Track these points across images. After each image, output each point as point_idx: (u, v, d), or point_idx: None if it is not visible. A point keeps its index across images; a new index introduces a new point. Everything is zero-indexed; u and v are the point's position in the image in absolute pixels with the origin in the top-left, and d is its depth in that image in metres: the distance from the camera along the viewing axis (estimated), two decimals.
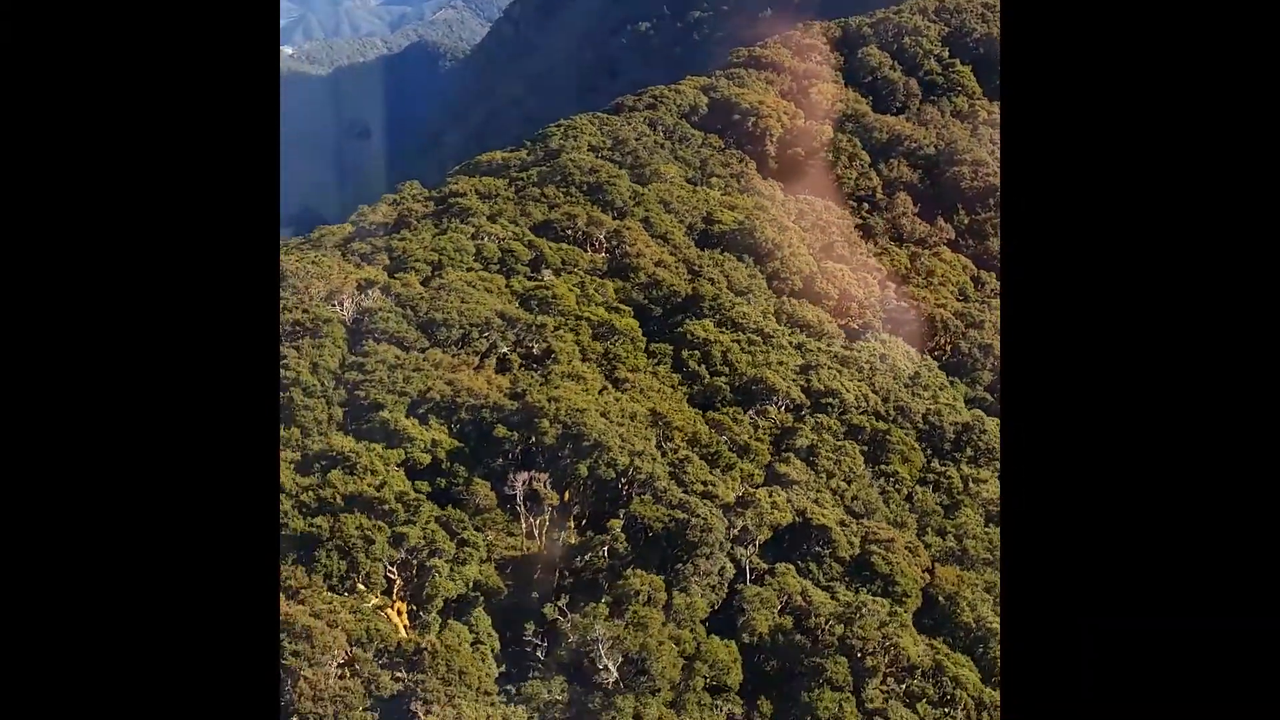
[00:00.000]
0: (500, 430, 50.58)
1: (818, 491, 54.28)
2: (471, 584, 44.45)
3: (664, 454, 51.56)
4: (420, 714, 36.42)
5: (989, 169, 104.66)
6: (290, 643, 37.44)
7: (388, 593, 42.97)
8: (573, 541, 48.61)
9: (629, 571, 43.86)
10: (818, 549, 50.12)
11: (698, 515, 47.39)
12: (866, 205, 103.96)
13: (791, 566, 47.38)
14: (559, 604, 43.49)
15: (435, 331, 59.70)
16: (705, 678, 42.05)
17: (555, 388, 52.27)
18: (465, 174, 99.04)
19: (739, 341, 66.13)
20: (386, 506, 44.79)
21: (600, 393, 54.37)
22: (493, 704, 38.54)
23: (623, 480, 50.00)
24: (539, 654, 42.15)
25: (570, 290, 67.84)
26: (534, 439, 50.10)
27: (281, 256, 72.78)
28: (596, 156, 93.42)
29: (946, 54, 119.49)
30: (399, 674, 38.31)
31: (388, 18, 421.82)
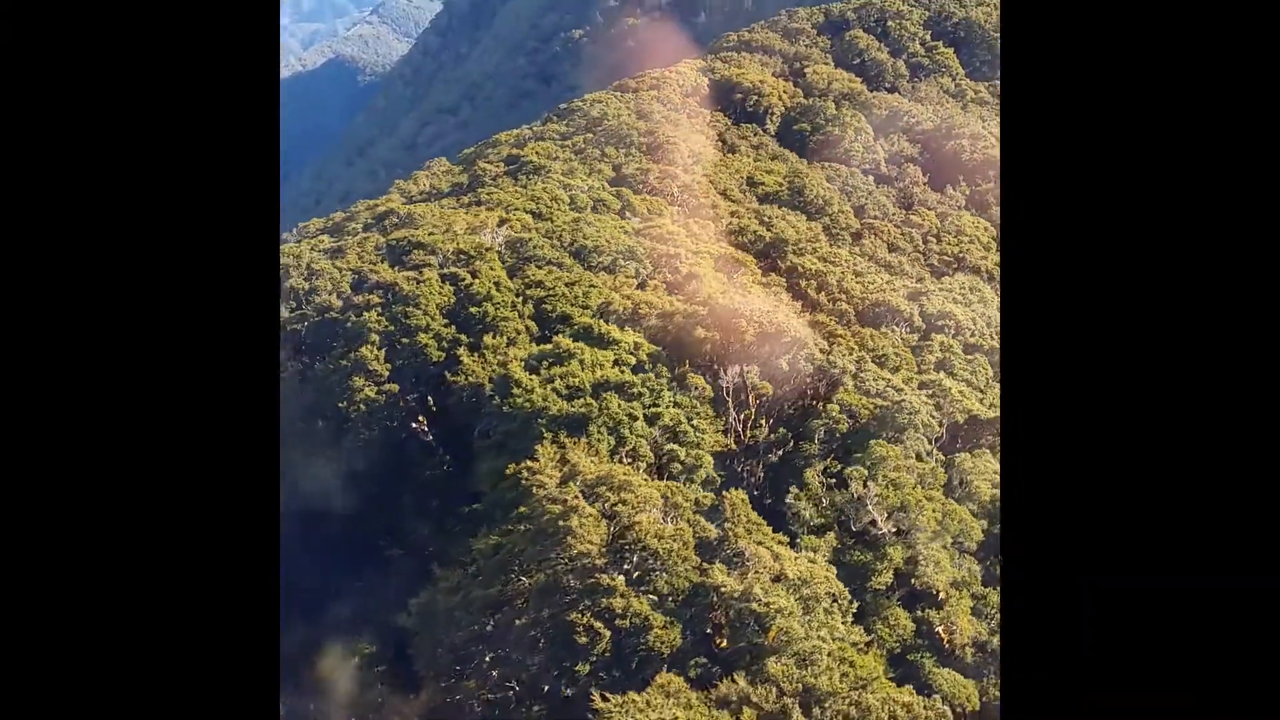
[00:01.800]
0: (699, 331, 52.66)
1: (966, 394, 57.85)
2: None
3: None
4: (745, 550, 38.41)
5: (986, 142, 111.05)
6: (613, 493, 39.37)
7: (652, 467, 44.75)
8: (781, 434, 51.06)
9: (873, 442, 46.51)
10: (990, 437, 53.62)
11: (903, 401, 50.40)
12: (873, 178, 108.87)
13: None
14: (821, 465, 45.89)
15: (587, 258, 61.44)
16: (952, 535, 44.97)
17: (734, 296, 54.67)
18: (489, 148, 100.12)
19: (846, 270, 69.67)
20: (635, 389, 46.59)
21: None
22: (783, 545, 40.73)
23: (819, 374, 52.69)
24: (805, 514, 44.38)
25: (679, 227, 70.34)
26: (732, 338, 52.35)
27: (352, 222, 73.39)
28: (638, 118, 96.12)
29: (929, 37, 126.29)
30: (707, 524, 40.32)
31: (300, 35, 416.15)
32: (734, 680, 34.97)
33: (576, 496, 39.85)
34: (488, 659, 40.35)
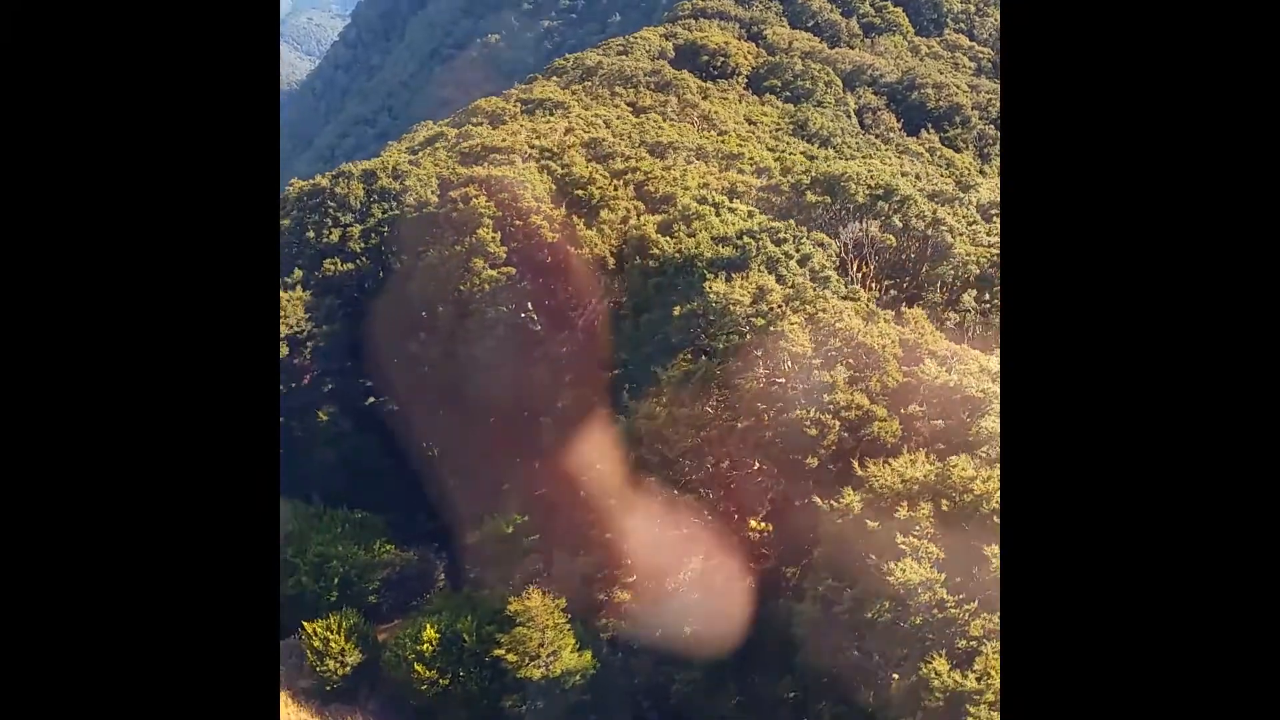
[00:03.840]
0: (810, 196, 54.10)
1: None
2: None
3: None
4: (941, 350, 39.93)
5: (950, 90, 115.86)
6: (809, 306, 40.40)
7: None
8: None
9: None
10: None
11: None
12: (857, 121, 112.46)
13: None
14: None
15: (662, 153, 62.50)
16: None
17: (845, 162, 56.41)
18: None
19: None
20: (780, 234, 47.77)
21: None
22: None
23: (930, 229, 54.63)
24: None
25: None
26: (844, 200, 53.96)
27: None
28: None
29: None
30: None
31: None
32: None
33: (780, 305, 40.58)
34: (709, 463, 40.78)
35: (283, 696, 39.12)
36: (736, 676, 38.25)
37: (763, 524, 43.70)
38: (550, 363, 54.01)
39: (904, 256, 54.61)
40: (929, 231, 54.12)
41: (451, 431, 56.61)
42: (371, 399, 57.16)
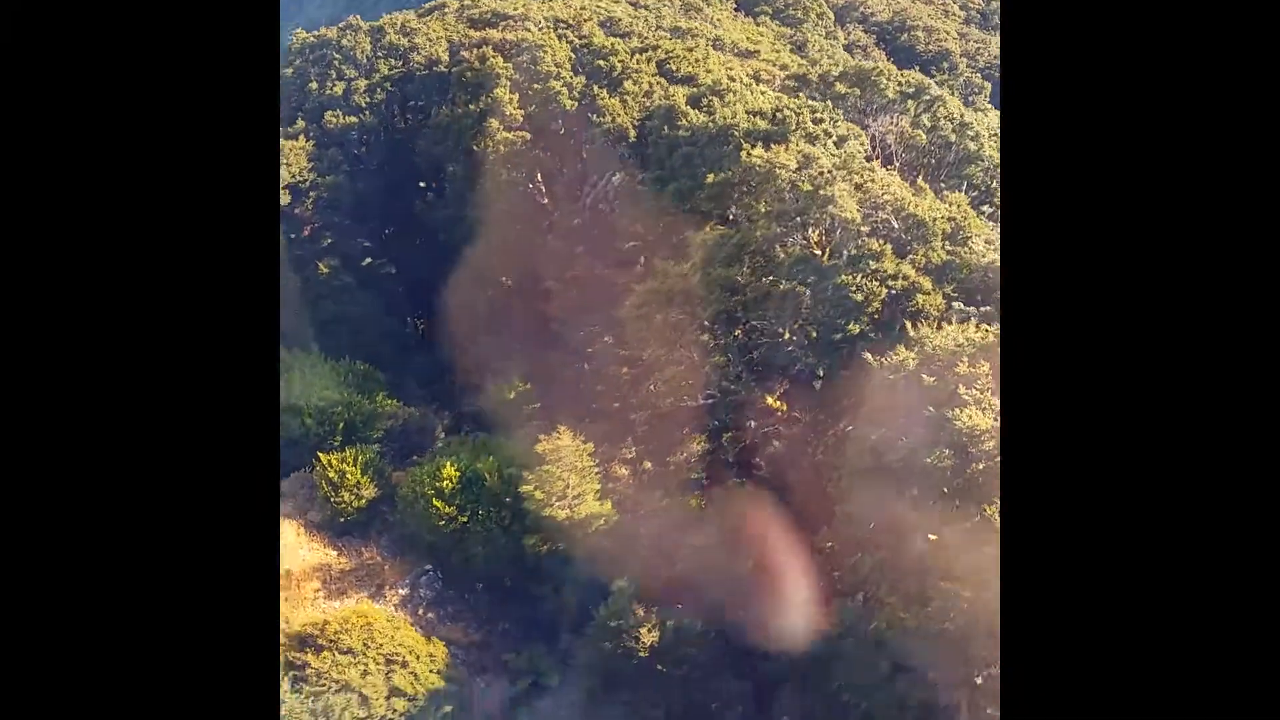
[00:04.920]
0: (839, 86, 53.07)
1: None
2: None
3: None
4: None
5: (940, 35, 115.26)
6: (856, 174, 39.61)
7: None
8: None
9: None
10: None
11: None
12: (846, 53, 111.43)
13: None
14: None
15: (683, 37, 60.97)
16: None
17: None
18: None
19: None
20: (817, 112, 46.96)
21: None
22: None
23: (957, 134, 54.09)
24: None
25: None
26: (874, 94, 53.09)
27: None
28: None
29: None
30: None
31: None
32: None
33: (829, 171, 39.67)
34: (739, 330, 39.99)
35: (294, 529, 37.76)
36: None
37: (783, 393, 43.18)
38: (563, 232, 52.50)
39: (930, 159, 54.00)
40: (955, 137, 53.54)
41: (454, 296, 54.95)
42: (369, 259, 55.10)
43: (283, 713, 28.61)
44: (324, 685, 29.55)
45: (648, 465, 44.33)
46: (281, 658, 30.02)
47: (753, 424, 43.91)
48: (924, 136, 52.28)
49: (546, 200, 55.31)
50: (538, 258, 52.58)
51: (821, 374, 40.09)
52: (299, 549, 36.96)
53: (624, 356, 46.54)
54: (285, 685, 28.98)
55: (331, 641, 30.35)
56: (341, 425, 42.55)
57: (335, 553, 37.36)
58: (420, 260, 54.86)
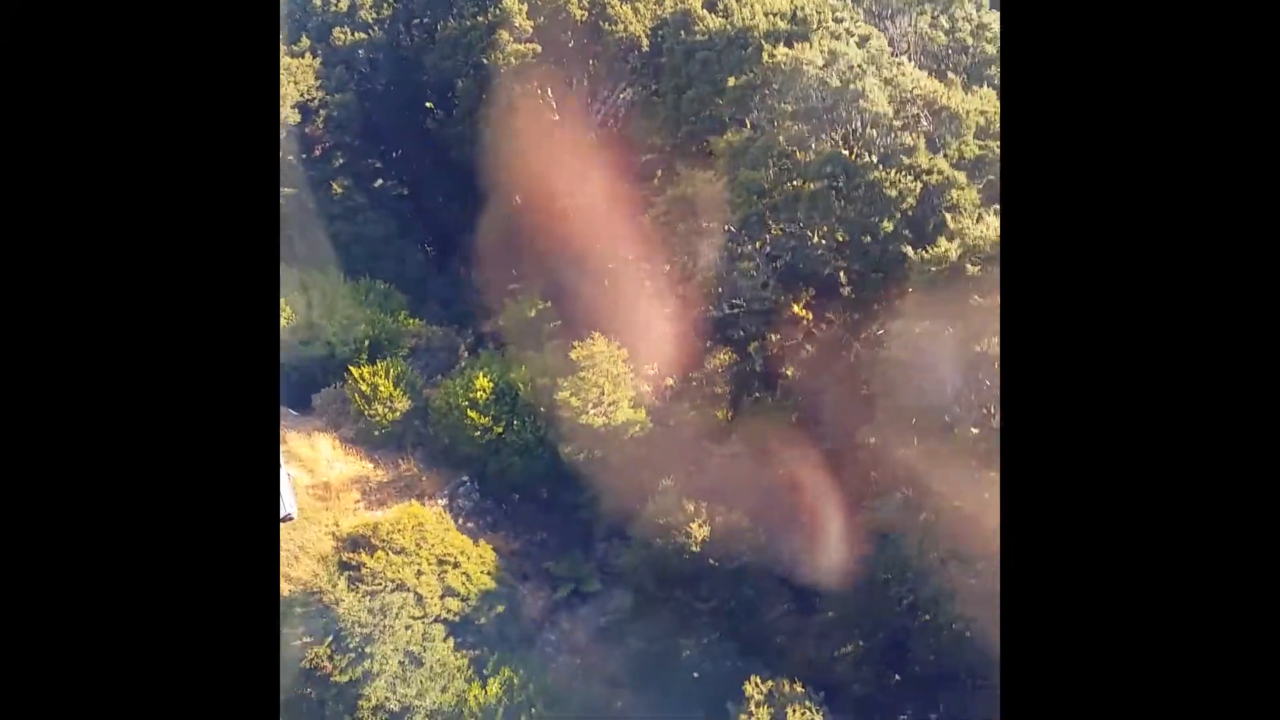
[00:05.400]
0: None
1: None
2: None
3: None
4: None
5: None
6: (885, 70, 38.73)
7: None
8: None
9: None
10: None
11: None
12: None
13: None
14: None
15: None
16: None
17: None
18: None
19: None
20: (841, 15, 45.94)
21: None
22: None
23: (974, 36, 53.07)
24: None
25: None
26: None
27: None
28: None
29: None
30: None
31: None
32: None
33: (859, 65, 38.84)
34: (776, 228, 39.37)
35: (330, 442, 37.44)
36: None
37: (809, 302, 42.80)
38: (576, 147, 51.58)
39: (947, 62, 53.09)
40: (972, 40, 52.58)
41: (468, 216, 54.17)
42: (380, 180, 54.18)
43: (341, 611, 28.63)
44: (380, 584, 29.41)
45: (670, 382, 44.12)
46: (336, 559, 30.01)
47: (779, 335, 43.65)
48: (942, 37, 51.33)
49: (558, 116, 54.34)
50: (552, 174, 51.76)
51: (851, 279, 39.68)
52: (335, 462, 36.68)
53: (644, 270, 46.07)
54: (342, 584, 28.90)
55: (384, 541, 30.15)
56: (367, 343, 42.04)
57: (372, 465, 37.08)
58: (432, 180, 53.99)
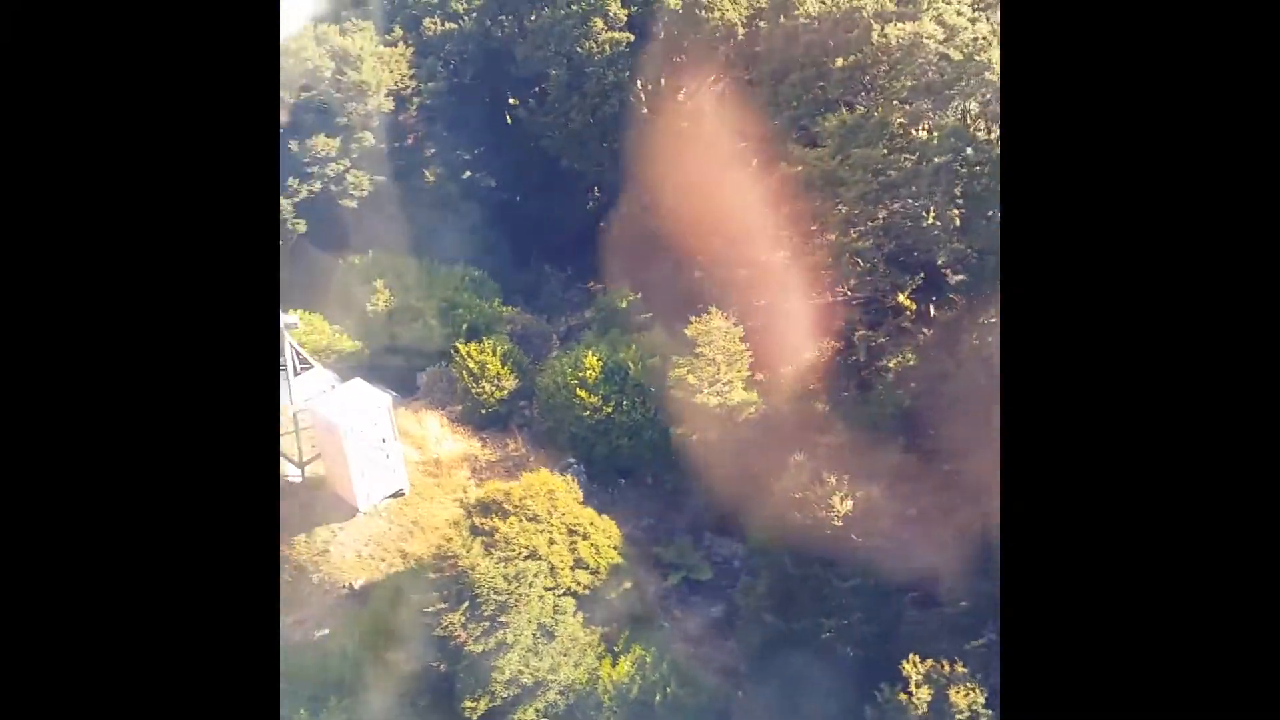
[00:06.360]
0: None
1: None
2: None
3: None
4: None
5: None
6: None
7: None
8: None
9: None
10: None
11: None
12: None
13: None
14: None
15: None
16: None
17: None
18: None
19: None
20: None
21: None
22: None
23: None
24: None
25: None
26: None
27: None
28: None
29: None
30: None
31: None
32: None
33: (985, 38, 37.74)
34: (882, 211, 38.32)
35: (439, 421, 36.57)
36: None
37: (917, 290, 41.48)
38: (671, 135, 50.72)
39: None
40: None
41: (558, 207, 53.48)
42: (469, 172, 53.56)
43: (476, 576, 27.48)
44: (514, 550, 28.23)
45: (761, 376, 42.87)
46: (468, 522, 28.93)
47: (885, 324, 42.40)
48: None
49: (647, 109, 53.57)
50: (643, 164, 50.94)
51: (966, 263, 38.40)
52: (444, 440, 35.76)
53: (740, 258, 44.92)
54: (477, 548, 27.78)
55: (517, 507, 29.03)
56: (464, 327, 41.25)
57: (479, 443, 36.14)
58: (520, 171, 53.34)
